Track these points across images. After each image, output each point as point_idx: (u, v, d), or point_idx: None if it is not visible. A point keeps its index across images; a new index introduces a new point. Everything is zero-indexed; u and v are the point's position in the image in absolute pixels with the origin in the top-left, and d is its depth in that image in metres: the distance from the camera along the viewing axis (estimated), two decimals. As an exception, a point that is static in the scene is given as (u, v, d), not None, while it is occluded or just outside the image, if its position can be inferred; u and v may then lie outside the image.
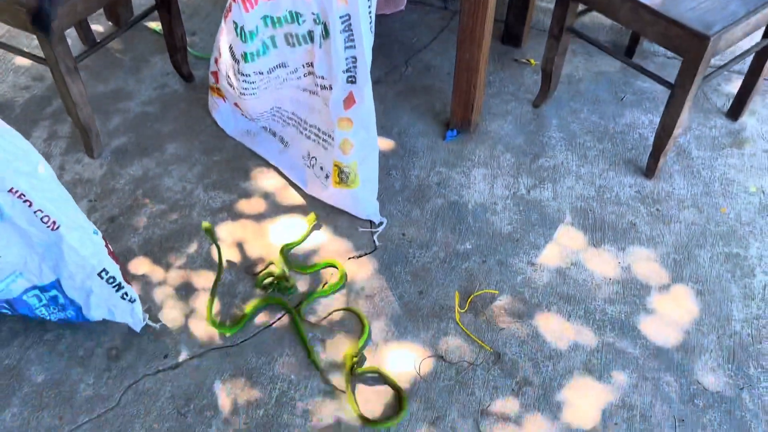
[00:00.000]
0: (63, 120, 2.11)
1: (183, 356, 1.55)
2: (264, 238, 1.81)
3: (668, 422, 1.46)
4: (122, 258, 1.73)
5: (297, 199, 1.91)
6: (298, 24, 1.63)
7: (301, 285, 1.70)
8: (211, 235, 1.68)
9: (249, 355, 1.56)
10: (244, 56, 1.72)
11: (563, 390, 1.51)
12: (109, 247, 1.47)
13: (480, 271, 1.74)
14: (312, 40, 1.66)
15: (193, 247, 1.77)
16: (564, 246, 1.81)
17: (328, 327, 1.61)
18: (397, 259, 1.77)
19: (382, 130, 1.99)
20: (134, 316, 1.55)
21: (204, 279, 1.70)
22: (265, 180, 1.96)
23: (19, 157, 1.30)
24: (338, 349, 1.57)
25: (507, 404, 1.49)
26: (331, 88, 1.70)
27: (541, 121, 2.17)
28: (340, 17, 1.56)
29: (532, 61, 2.39)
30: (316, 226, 1.83)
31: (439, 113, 2.19)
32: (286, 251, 1.75)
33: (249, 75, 1.77)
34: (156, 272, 1.72)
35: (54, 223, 1.34)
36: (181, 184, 1.93)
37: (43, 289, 1.46)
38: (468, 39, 1.85)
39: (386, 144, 2.07)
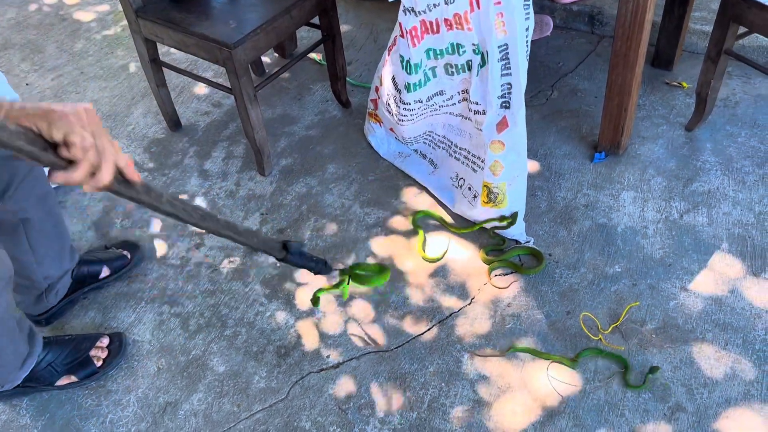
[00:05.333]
0: (237, 142, 2.37)
1: (342, 357, 1.69)
2: (413, 253, 1.92)
3: (840, 463, 1.38)
4: (288, 267, 1.92)
5: (445, 218, 2.01)
6: (459, 55, 1.75)
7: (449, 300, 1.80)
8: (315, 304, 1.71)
9: (402, 361, 1.67)
10: (407, 86, 1.86)
11: (719, 419, 1.48)
12: None
13: (630, 295, 1.74)
14: (469, 68, 1.77)
15: (351, 259, 1.93)
16: (720, 273, 1.76)
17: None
18: (543, 278, 1.81)
19: (528, 152, 2.03)
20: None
21: (360, 288, 1.84)
22: (415, 199, 2.08)
23: None
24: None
25: (659, 428, 1.48)
26: (484, 112, 1.79)
27: (695, 144, 2.13)
28: (499, 46, 1.65)
29: (684, 83, 2.35)
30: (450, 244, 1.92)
31: (585, 136, 2.21)
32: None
33: (410, 103, 1.91)
34: (318, 280, 1.88)
35: None
36: (340, 201, 2.11)
37: None
38: (621, 63, 1.87)
39: (532, 166, 2.12)
